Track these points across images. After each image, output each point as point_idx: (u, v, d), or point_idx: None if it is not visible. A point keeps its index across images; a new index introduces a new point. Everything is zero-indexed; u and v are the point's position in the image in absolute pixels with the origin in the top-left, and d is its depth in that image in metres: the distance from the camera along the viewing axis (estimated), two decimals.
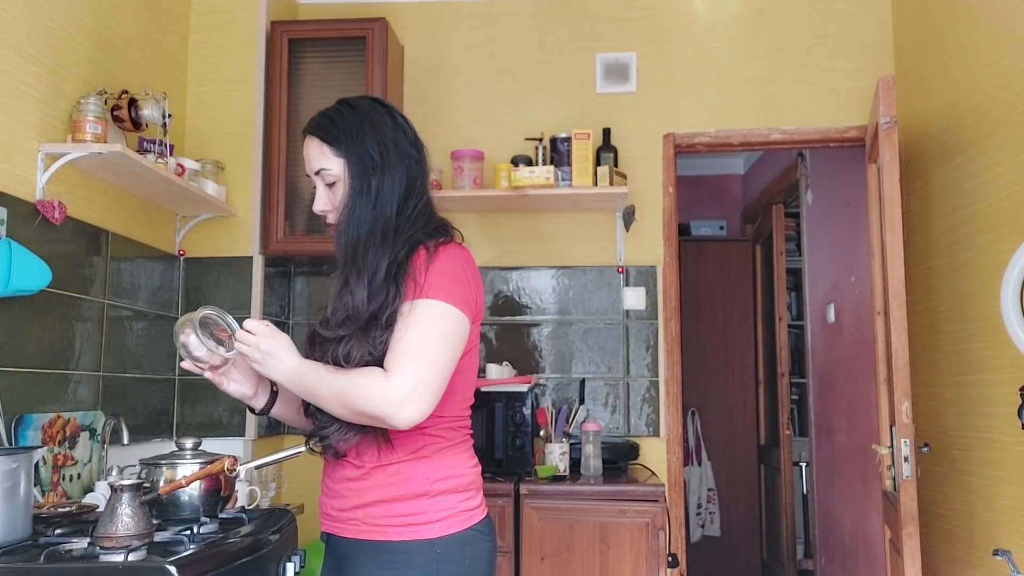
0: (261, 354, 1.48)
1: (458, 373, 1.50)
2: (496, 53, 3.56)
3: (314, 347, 1.52)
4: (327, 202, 1.58)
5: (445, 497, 1.51)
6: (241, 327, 1.52)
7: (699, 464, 5.35)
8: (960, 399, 2.80)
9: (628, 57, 3.51)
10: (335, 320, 1.50)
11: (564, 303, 3.42)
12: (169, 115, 2.57)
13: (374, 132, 1.55)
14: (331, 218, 1.59)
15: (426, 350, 1.42)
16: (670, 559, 2.74)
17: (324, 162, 1.56)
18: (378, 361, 1.45)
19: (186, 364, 1.56)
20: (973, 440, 2.70)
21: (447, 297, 1.46)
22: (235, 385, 1.61)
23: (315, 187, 1.60)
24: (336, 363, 1.47)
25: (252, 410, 1.67)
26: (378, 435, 1.49)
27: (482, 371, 3.20)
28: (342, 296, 1.51)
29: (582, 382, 3.30)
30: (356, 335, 1.46)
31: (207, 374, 1.58)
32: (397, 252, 1.50)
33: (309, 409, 1.56)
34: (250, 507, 2.26)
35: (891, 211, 2.66)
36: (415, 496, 1.49)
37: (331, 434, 1.49)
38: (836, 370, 4.36)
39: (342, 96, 1.64)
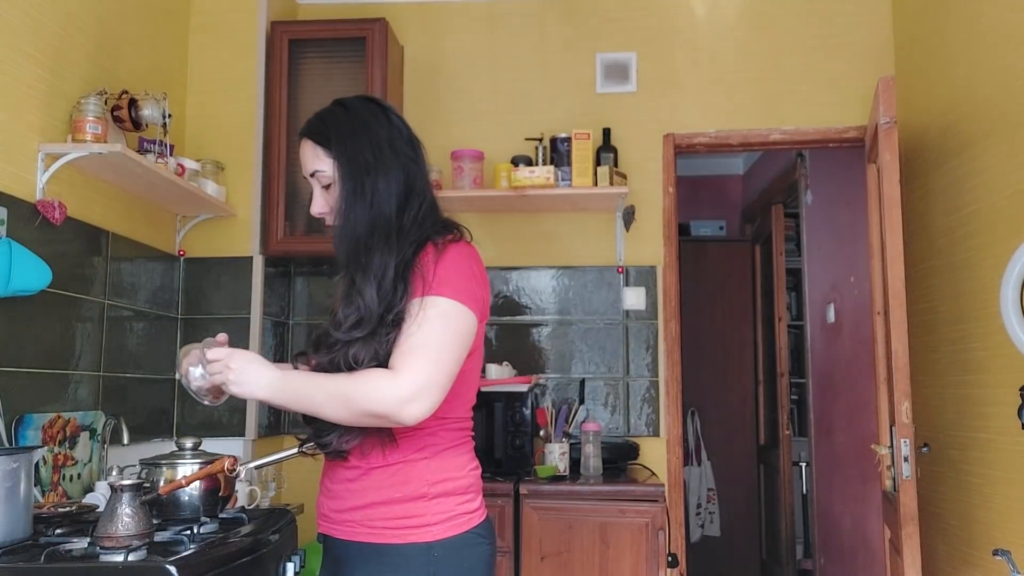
0: (234, 372, 1.46)
1: (461, 374, 1.48)
2: (496, 53, 3.56)
3: (320, 349, 1.49)
4: (324, 204, 1.57)
5: (443, 499, 1.49)
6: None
7: (699, 464, 5.35)
8: (959, 399, 2.80)
9: (628, 57, 3.50)
10: (348, 323, 1.46)
11: (564, 303, 3.42)
12: (169, 115, 2.57)
13: (367, 132, 1.53)
14: (329, 220, 1.57)
15: (434, 347, 1.40)
16: (670, 559, 2.74)
17: (318, 164, 1.54)
18: (383, 361, 1.42)
19: (204, 401, 1.58)
20: (972, 440, 2.70)
21: (456, 295, 1.44)
22: None
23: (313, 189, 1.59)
24: (344, 365, 1.44)
25: None
26: (383, 434, 1.46)
27: (482, 371, 3.19)
28: (351, 298, 1.47)
29: (582, 382, 3.30)
30: (365, 335, 1.44)
31: (205, 400, 1.59)
32: (404, 252, 1.47)
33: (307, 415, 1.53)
34: (250, 507, 2.27)
35: (891, 211, 2.66)
36: (413, 498, 1.47)
37: (331, 441, 1.47)
38: (836, 370, 4.35)
39: (341, 97, 1.62)
